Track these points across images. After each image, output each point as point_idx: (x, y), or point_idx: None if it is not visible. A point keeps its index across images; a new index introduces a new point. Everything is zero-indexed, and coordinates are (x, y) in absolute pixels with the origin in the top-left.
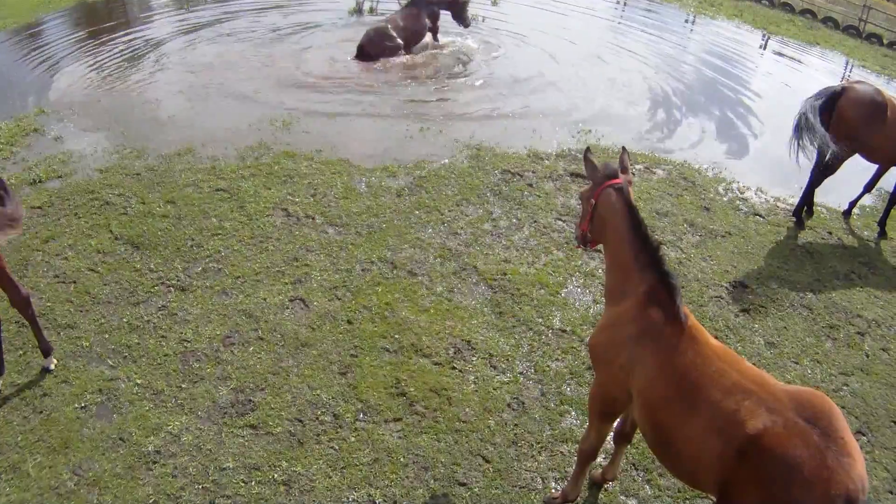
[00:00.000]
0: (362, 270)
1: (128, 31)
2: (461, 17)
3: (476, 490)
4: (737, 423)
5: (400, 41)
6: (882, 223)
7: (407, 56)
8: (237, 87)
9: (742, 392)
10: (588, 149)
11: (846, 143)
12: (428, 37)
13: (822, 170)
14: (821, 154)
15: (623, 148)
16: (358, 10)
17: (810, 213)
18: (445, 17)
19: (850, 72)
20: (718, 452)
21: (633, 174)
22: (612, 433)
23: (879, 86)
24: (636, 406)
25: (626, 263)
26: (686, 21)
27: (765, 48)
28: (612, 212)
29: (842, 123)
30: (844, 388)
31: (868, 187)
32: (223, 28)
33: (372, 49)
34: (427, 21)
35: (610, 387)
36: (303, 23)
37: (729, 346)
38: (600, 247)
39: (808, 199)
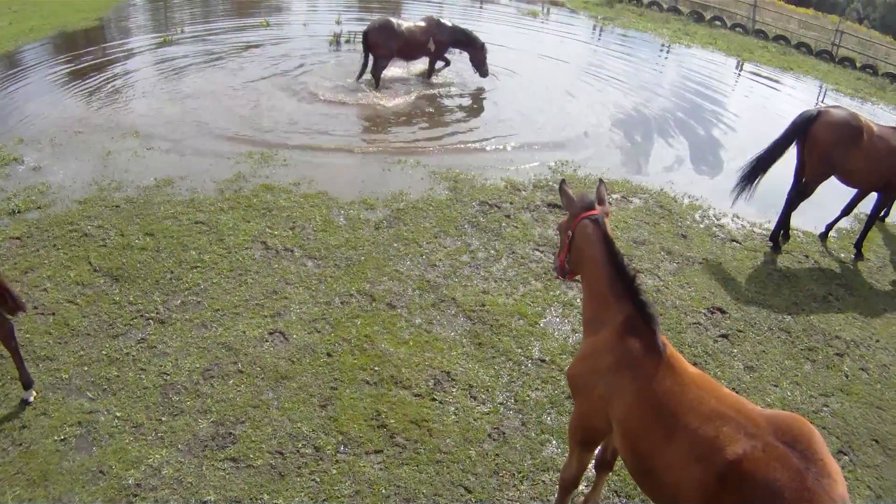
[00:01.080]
0: (341, 303)
1: (108, 60)
2: (479, 64)
3: None
4: (716, 450)
5: (394, 41)
6: (858, 245)
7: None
8: (216, 119)
9: (720, 418)
10: (563, 181)
11: (821, 166)
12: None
13: (798, 194)
14: (797, 178)
15: (600, 180)
16: (336, 42)
17: (787, 237)
18: (463, 59)
19: (825, 96)
20: (699, 479)
21: (611, 204)
22: (593, 461)
23: (854, 109)
24: (616, 435)
25: (603, 293)
26: (661, 50)
27: (739, 75)
28: (589, 243)
29: (816, 146)
30: (825, 409)
31: (846, 211)
32: (202, 60)
33: (371, 36)
34: (432, 44)
35: (589, 416)
36: (281, 56)
37: (708, 372)
38: (579, 277)
39: (784, 223)
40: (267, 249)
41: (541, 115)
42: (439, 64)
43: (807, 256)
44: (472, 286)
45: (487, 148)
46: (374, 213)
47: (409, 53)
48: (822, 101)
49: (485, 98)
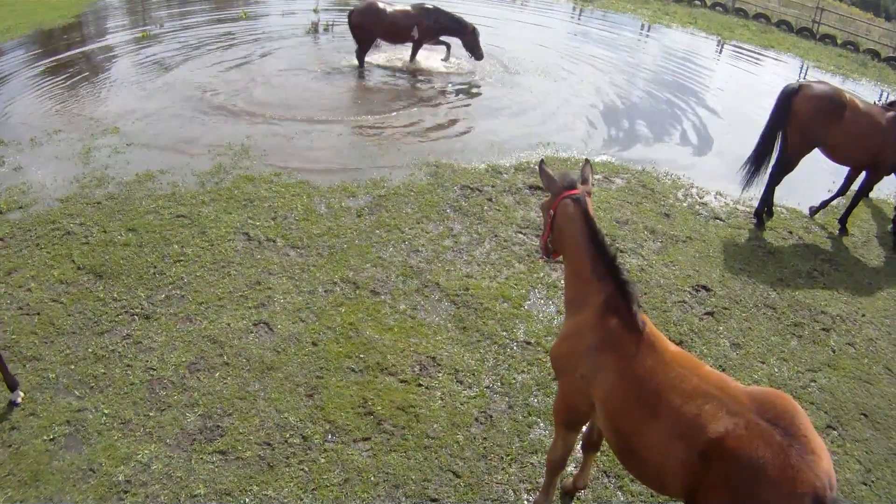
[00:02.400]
0: (325, 292)
1: (86, 58)
2: (473, 49)
3: None
4: (698, 427)
5: (376, 22)
6: (843, 221)
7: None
8: (195, 113)
9: (702, 396)
10: (542, 161)
11: (801, 139)
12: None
13: (780, 168)
14: (780, 153)
15: (586, 160)
16: (314, 30)
17: (770, 213)
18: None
19: (806, 73)
20: (682, 457)
21: (594, 185)
22: (579, 442)
23: (838, 84)
24: (599, 415)
25: (584, 273)
26: (642, 31)
27: (720, 53)
28: (570, 222)
29: (796, 120)
30: (812, 384)
31: (841, 191)
32: (181, 55)
33: (354, 18)
34: (416, 29)
35: (572, 396)
36: (258, 45)
37: (694, 350)
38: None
39: (767, 199)
40: (249, 240)
41: (521, 97)
42: (442, 49)
43: (790, 233)
44: (456, 270)
45: (468, 131)
46: (355, 200)
47: (394, 37)
48: (805, 78)
49: (464, 81)
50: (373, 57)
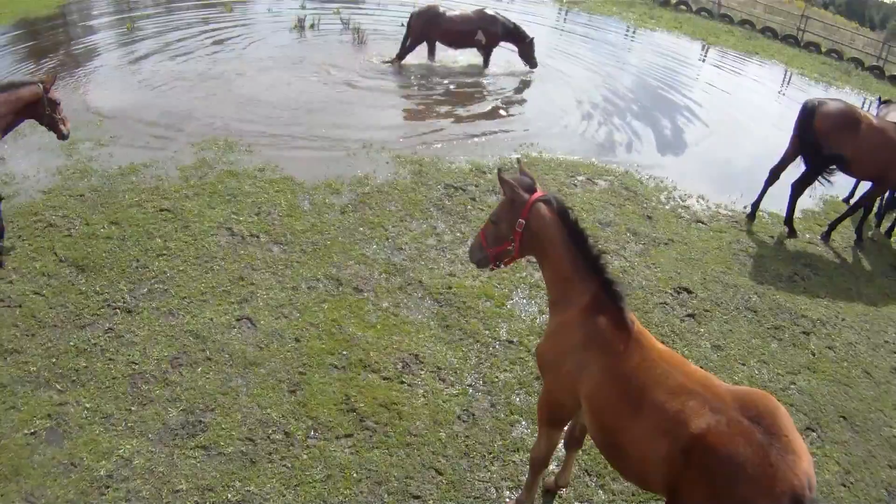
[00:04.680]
0: (308, 288)
1: (70, 49)
2: (527, 57)
3: (430, 502)
4: (681, 423)
5: (427, 28)
6: (832, 227)
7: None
8: (179, 106)
9: (687, 393)
10: (500, 170)
11: (818, 154)
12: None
13: (802, 182)
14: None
15: (518, 159)
16: (300, 27)
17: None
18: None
19: (790, 80)
20: (664, 453)
21: (575, 186)
22: (562, 440)
23: (819, 93)
24: (584, 411)
25: (567, 274)
26: (627, 34)
27: (705, 59)
28: (546, 225)
29: (816, 137)
30: (792, 386)
31: (854, 208)
32: (165, 47)
33: (413, 19)
34: (482, 35)
35: (558, 393)
36: (244, 42)
37: (675, 351)
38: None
39: (790, 215)
40: (233, 236)
41: (505, 99)
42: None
43: (772, 237)
44: (439, 269)
45: (452, 130)
46: (339, 197)
47: (454, 42)
48: (788, 85)
49: (449, 81)
50: (345, 59)
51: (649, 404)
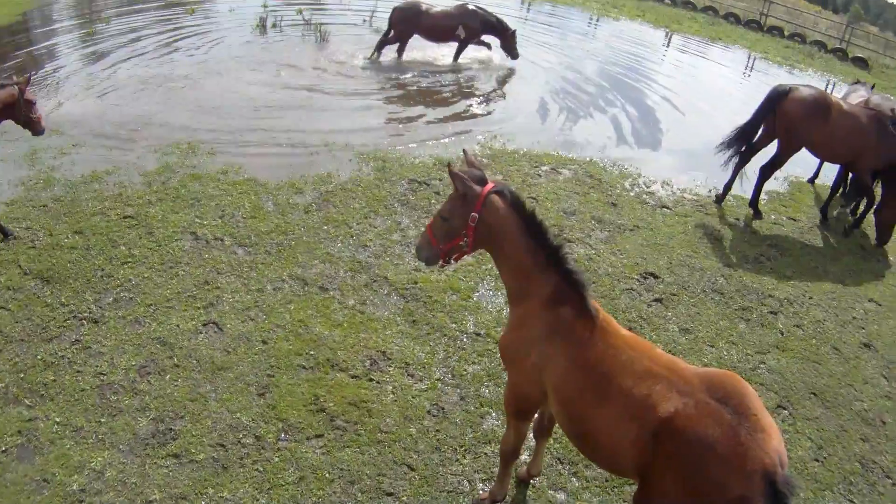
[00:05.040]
0: (274, 289)
1: (31, 56)
2: (509, 48)
3: (404, 499)
4: (649, 408)
5: (408, 23)
6: (824, 211)
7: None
8: (141, 110)
9: (653, 377)
10: (450, 164)
11: (790, 140)
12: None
13: (771, 166)
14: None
15: (464, 150)
16: (262, 27)
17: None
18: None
19: (753, 64)
20: (633, 438)
21: (539, 176)
22: (531, 430)
23: (783, 76)
24: (552, 401)
25: (526, 266)
26: (590, 23)
27: (668, 46)
28: (501, 218)
29: (784, 121)
30: (762, 366)
31: (834, 189)
32: (127, 52)
33: (394, 14)
34: (462, 29)
35: (524, 385)
36: (206, 44)
37: (643, 336)
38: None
39: (756, 197)
40: (197, 240)
41: (469, 92)
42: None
43: (737, 219)
44: (404, 264)
45: (414, 125)
46: (302, 196)
47: (436, 36)
48: (751, 69)
49: (412, 76)
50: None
51: (616, 391)
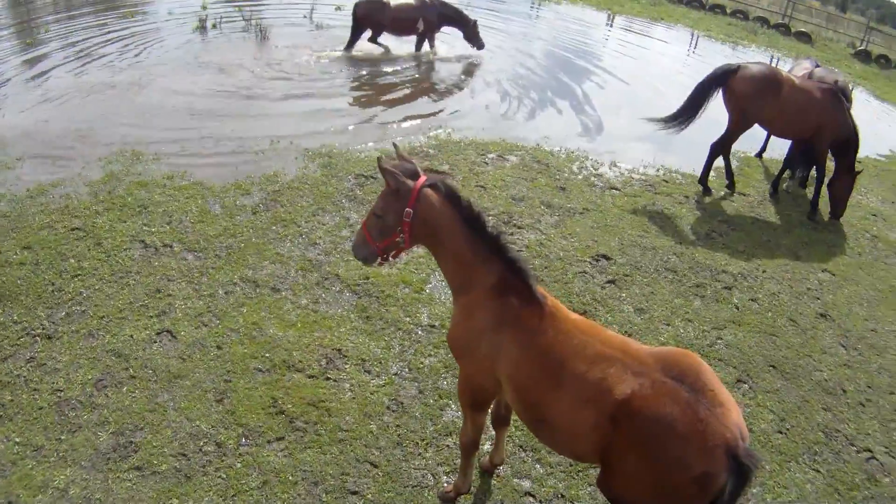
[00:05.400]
0: (225, 293)
1: None
2: (473, 39)
3: (369, 496)
4: (605, 391)
5: (381, 14)
6: (814, 205)
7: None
8: (83, 119)
9: (606, 360)
10: (380, 158)
11: (740, 117)
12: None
13: (722, 143)
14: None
15: (394, 144)
16: (202, 28)
17: (704, 179)
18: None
19: (697, 42)
20: (592, 422)
21: (486, 164)
22: (490, 420)
23: (727, 53)
24: (506, 391)
25: (468, 259)
26: (532, 8)
27: (611, 27)
28: (437, 212)
29: (734, 99)
30: (719, 341)
31: (819, 176)
32: (67, 59)
33: (358, 9)
34: (421, 22)
35: (477, 377)
36: (146, 48)
37: (599, 318)
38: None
39: (706, 174)
40: (146, 248)
41: (413, 83)
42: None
43: (687, 197)
44: (355, 260)
45: (360, 118)
46: (250, 197)
47: (398, 29)
48: (695, 47)
49: (356, 71)
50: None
51: (570, 376)
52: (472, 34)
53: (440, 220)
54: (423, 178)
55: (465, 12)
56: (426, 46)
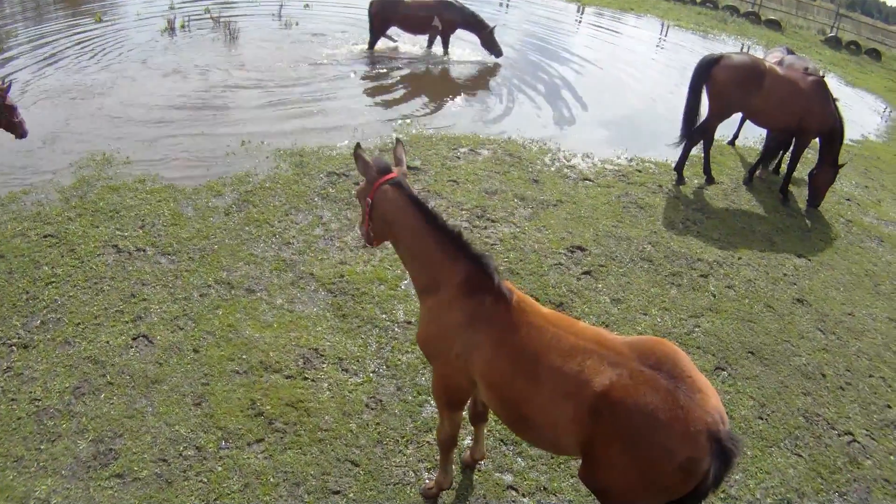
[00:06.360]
0: (200, 296)
1: None
2: (490, 45)
3: (351, 496)
4: (583, 384)
5: (385, 14)
6: (784, 190)
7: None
8: (53, 124)
9: (582, 352)
10: (358, 145)
11: (720, 106)
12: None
13: (701, 131)
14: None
15: (397, 139)
16: (170, 29)
17: (679, 170)
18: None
19: (667, 32)
20: (571, 416)
21: (458, 158)
22: (468, 417)
23: (696, 42)
24: (481, 389)
25: (430, 257)
26: (500, 3)
27: (581, 19)
28: (395, 209)
29: (715, 87)
30: (696, 329)
31: (792, 163)
32: (33, 63)
33: (373, 7)
34: (437, 21)
35: (450, 377)
36: (115, 50)
37: (575, 309)
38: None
39: (682, 162)
40: (119, 253)
41: (384, 80)
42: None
43: (660, 186)
44: (329, 258)
45: (329, 116)
46: (222, 198)
47: (412, 27)
48: (665, 37)
49: (327, 69)
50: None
51: (546, 370)
52: (489, 40)
53: (399, 218)
54: (391, 175)
55: (483, 18)
56: (438, 48)
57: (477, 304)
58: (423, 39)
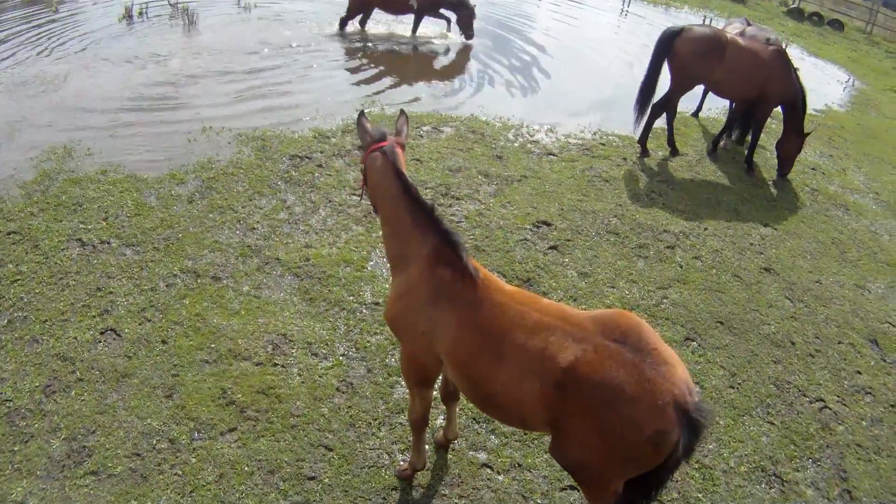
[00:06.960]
0: (166, 286)
1: None
2: (466, 26)
3: (326, 480)
4: (548, 360)
5: None
6: (749, 161)
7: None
8: (11, 118)
9: (546, 329)
10: (362, 112)
11: (682, 78)
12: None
13: (663, 103)
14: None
15: (401, 110)
16: (128, 17)
17: (642, 151)
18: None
19: (629, 6)
20: (538, 393)
21: (421, 137)
22: (439, 396)
23: (658, 14)
24: (447, 367)
25: (403, 228)
26: None
27: None
28: (380, 176)
29: (677, 60)
30: (665, 301)
31: (755, 135)
32: None
33: None
34: (415, 1)
35: (418, 355)
36: (72, 40)
37: (542, 284)
38: None
39: (645, 136)
40: (83, 246)
41: (344, 60)
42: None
43: (625, 159)
44: (294, 242)
45: (289, 99)
46: (184, 186)
47: (391, 7)
48: (627, 11)
49: (288, 51)
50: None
51: (511, 347)
52: (467, 21)
53: (383, 186)
54: (384, 143)
55: None
56: (422, 30)
57: (442, 281)
58: (390, 20)
